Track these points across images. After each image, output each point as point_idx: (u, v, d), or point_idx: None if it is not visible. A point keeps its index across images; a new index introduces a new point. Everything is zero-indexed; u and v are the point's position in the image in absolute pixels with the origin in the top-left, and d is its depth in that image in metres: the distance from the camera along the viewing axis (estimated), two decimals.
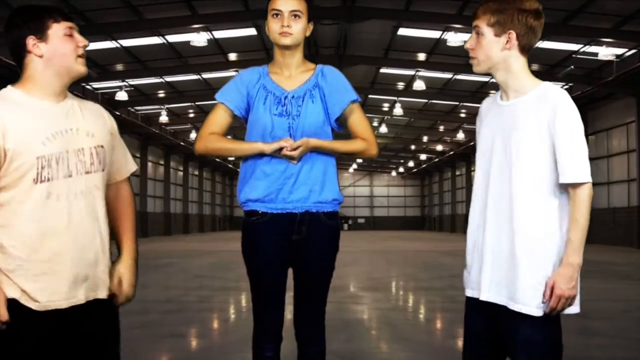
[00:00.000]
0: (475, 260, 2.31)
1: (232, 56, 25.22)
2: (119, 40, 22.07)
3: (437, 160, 51.61)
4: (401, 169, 65.41)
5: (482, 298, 2.27)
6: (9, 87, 2.20)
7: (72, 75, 2.21)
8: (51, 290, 2.11)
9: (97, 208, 2.22)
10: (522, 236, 2.17)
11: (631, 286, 10.71)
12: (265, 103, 2.67)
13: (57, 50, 2.16)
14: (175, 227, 45.17)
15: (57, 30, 2.18)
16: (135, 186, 38.15)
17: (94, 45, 22.15)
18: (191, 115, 35.41)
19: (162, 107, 32.21)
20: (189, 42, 21.74)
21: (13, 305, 2.08)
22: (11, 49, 2.20)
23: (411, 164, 60.72)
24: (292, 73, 2.72)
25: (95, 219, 2.21)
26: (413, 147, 49.38)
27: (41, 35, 2.16)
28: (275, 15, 2.65)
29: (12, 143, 2.08)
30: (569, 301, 2.14)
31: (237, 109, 2.72)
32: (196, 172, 52.91)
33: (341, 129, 2.78)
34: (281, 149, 2.56)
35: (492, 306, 2.24)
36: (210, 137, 2.69)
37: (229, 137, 2.84)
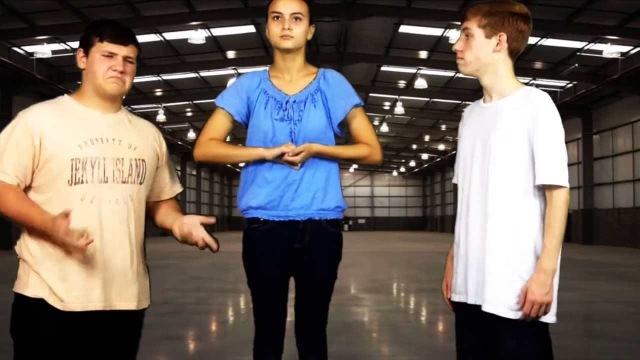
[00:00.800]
0: (460, 264, 2.32)
1: (231, 54, 25.22)
2: None
3: (439, 159, 51.62)
4: (402, 169, 65.38)
5: (456, 299, 2.31)
6: (66, 95, 2.36)
7: (102, 93, 2.30)
8: (78, 291, 2.19)
9: (130, 219, 2.28)
10: (492, 233, 2.19)
11: (636, 288, 10.71)
12: (266, 108, 2.65)
13: (91, 67, 2.29)
14: None
15: (98, 49, 2.28)
16: None
17: None
18: (189, 114, 35.39)
19: (160, 105, 32.19)
20: (186, 39, 21.71)
21: (39, 304, 2.16)
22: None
23: (412, 163, 60.69)
24: (294, 77, 2.71)
25: (127, 228, 2.28)
26: (414, 146, 49.38)
27: (86, 50, 2.31)
28: (275, 18, 2.64)
29: (49, 144, 2.19)
30: (544, 308, 2.14)
31: (238, 114, 2.70)
32: (194, 172, 52.90)
33: (344, 133, 2.77)
34: (283, 154, 2.54)
35: (481, 315, 2.23)
36: (210, 143, 2.68)
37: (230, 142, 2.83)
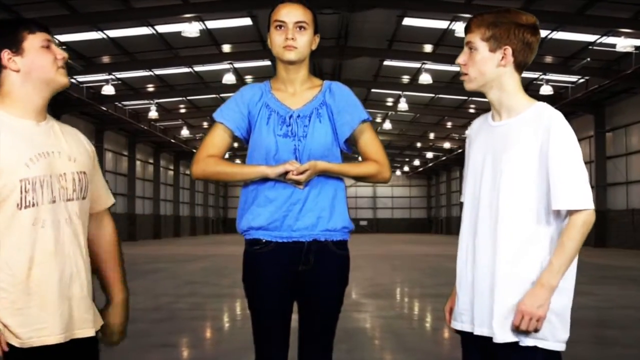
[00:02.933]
0: (465, 290, 2.31)
1: (226, 47, 25.21)
2: (105, 31, 22.04)
3: (444, 158, 51.63)
4: (406, 168, 65.43)
5: (458, 327, 2.31)
6: None
7: (53, 87, 2.20)
8: (35, 325, 2.08)
9: (80, 239, 2.20)
10: (502, 261, 2.17)
11: None
12: (268, 123, 2.61)
13: (34, 63, 2.14)
14: (166, 230, 45.17)
15: (33, 42, 2.15)
16: (122, 186, 38.17)
17: (79, 36, 22.18)
18: (182, 110, 35.38)
19: (152, 101, 32.18)
20: (180, 32, 21.69)
21: None
22: None
23: (417, 162, 60.73)
24: (297, 90, 2.67)
25: (79, 249, 2.20)
26: (419, 144, 49.41)
27: (16, 48, 2.14)
28: (278, 27, 2.59)
29: None
30: (534, 322, 2.11)
31: (238, 129, 2.66)
32: (187, 172, 52.81)
33: (350, 150, 2.73)
34: (286, 172, 2.50)
35: (489, 343, 2.21)
36: (209, 160, 2.63)
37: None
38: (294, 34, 2.58)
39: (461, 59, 2.31)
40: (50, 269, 2.10)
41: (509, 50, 2.23)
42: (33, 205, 2.08)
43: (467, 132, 2.48)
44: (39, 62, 2.15)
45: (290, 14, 2.59)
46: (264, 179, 2.56)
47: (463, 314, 2.30)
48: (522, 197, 2.16)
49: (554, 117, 2.16)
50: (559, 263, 2.11)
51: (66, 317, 2.14)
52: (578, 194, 2.10)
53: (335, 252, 2.62)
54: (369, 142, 2.69)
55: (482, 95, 2.37)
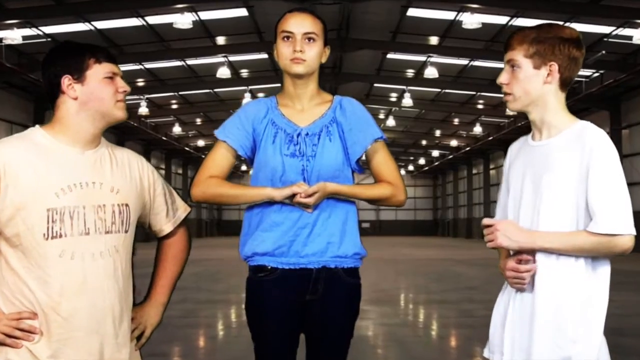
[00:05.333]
0: (499, 319, 2.32)
1: (221, 40, 25.21)
2: (91, 22, 22.05)
3: (451, 157, 51.65)
4: (411, 167, 65.44)
5: (492, 358, 2.30)
6: (37, 127, 2.23)
7: (108, 121, 2.24)
8: (60, 359, 2.10)
9: (118, 272, 2.21)
10: (542, 292, 2.18)
11: None
12: (274, 141, 2.56)
13: (93, 93, 2.18)
14: None
15: (97, 71, 2.20)
16: None
17: (64, 28, 22.18)
18: (174, 106, 35.40)
19: (141, 97, 32.20)
20: (171, 23, 21.71)
21: None
22: (45, 86, 2.22)
23: (422, 161, 60.75)
24: (305, 106, 2.63)
25: (116, 283, 2.20)
26: (424, 142, 49.43)
27: (78, 75, 2.18)
28: (285, 38, 2.55)
29: (19, 192, 2.08)
30: (493, 237, 2.20)
31: (242, 148, 2.61)
32: (180, 171, 52.93)
33: (362, 171, 2.71)
34: (294, 195, 2.46)
35: None
36: (210, 181, 2.59)
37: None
38: (302, 45, 2.53)
39: (503, 78, 2.30)
40: (78, 303, 2.10)
41: (555, 67, 2.25)
42: (60, 236, 2.10)
43: (508, 151, 2.49)
44: (99, 94, 2.19)
45: (299, 25, 2.54)
46: (270, 202, 2.52)
47: (496, 344, 2.32)
48: (564, 222, 2.18)
49: (596, 137, 2.19)
50: (561, 242, 2.15)
51: (95, 355, 2.14)
52: (618, 219, 2.12)
53: (346, 281, 2.57)
54: (383, 163, 2.66)
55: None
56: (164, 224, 2.44)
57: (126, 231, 2.24)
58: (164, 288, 2.47)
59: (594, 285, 2.19)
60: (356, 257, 2.61)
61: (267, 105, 2.64)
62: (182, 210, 2.49)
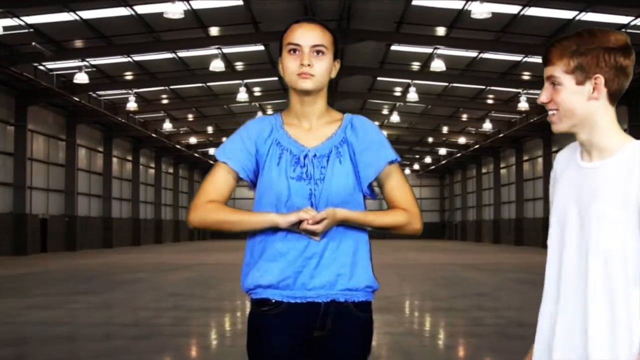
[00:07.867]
0: (545, 356, 2.30)
1: (214, 30, 25.19)
2: (77, 12, 22.05)
3: (459, 155, 51.70)
4: (416, 166, 65.48)
5: None
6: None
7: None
8: None
9: None
10: (596, 337, 2.12)
11: None
12: (279, 163, 2.51)
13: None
14: (146, 236, 45.21)
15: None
16: (97, 187, 38.19)
17: (48, 18, 22.19)
18: (165, 101, 35.40)
19: (130, 91, 32.22)
20: (162, 13, 21.70)
21: None
22: None
23: (428, 159, 60.78)
24: (313, 125, 2.57)
25: None
26: (430, 139, 49.45)
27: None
28: (292, 51, 2.49)
29: None
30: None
31: (244, 170, 2.54)
32: (170, 170, 52.96)
33: (375, 196, 2.65)
34: (300, 222, 2.40)
35: None
36: (208, 206, 2.53)
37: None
38: (310, 59, 2.47)
39: (544, 96, 2.20)
40: None
41: (601, 80, 2.15)
42: None
43: (553, 168, 2.43)
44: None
45: (306, 36, 2.49)
46: (274, 229, 2.47)
47: None
48: (618, 257, 2.13)
49: None
50: None
51: None
52: None
53: (357, 316, 2.55)
54: (397, 187, 2.61)
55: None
56: None
57: None
58: None
59: None
60: (368, 290, 2.59)
61: (272, 124, 2.59)
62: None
